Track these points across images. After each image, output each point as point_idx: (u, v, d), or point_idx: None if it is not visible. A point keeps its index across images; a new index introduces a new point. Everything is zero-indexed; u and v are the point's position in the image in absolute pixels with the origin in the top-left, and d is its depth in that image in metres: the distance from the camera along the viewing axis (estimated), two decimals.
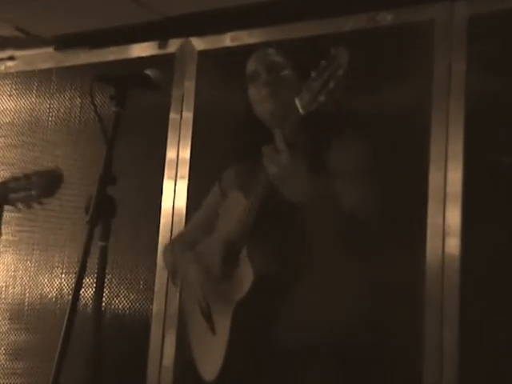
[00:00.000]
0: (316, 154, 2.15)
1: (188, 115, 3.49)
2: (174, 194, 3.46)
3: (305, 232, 2.09)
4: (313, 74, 1.90)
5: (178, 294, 3.33)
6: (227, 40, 3.46)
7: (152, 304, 3.42)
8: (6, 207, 2.27)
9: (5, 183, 2.21)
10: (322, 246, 2.09)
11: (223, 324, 2.15)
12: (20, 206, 2.21)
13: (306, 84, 1.91)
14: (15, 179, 2.21)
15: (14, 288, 3.87)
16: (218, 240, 2.23)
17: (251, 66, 2.34)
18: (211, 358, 2.20)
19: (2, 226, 2.30)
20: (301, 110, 1.92)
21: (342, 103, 2.10)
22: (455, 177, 2.81)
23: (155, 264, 3.42)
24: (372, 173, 2.14)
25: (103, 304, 3.50)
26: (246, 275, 2.06)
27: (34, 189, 2.16)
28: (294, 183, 1.95)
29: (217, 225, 2.35)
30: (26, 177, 2.18)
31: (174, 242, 2.67)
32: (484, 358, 2.67)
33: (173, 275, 2.51)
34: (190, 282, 2.32)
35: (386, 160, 2.23)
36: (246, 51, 2.41)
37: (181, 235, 2.73)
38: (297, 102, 1.92)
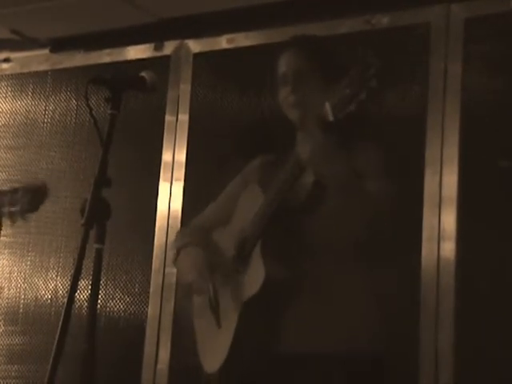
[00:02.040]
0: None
1: (184, 117, 3.49)
2: (170, 197, 3.45)
3: (318, 237, 2.10)
4: (344, 81, 1.87)
5: (173, 297, 3.33)
6: (223, 42, 3.45)
7: (147, 307, 3.42)
8: None
9: None
10: (330, 251, 2.10)
11: (230, 319, 2.15)
12: (5, 220, 2.24)
13: (337, 90, 1.88)
14: (1, 193, 2.23)
15: (9, 290, 3.86)
16: (232, 235, 2.24)
17: (281, 68, 2.29)
18: (214, 350, 2.20)
19: None
20: (330, 116, 1.89)
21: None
22: (450, 180, 2.81)
23: (150, 267, 3.41)
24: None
25: (98, 307, 3.48)
26: (258, 274, 2.06)
27: (19, 204, 2.18)
28: (325, 163, 1.97)
29: (233, 217, 2.34)
30: (12, 192, 2.20)
31: (189, 227, 2.61)
32: (479, 361, 2.67)
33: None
34: (202, 271, 2.30)
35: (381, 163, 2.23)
36: (242, 53, 2.40)
37: (197, 220, 2.61)
38: (327, 107, 1.90)
